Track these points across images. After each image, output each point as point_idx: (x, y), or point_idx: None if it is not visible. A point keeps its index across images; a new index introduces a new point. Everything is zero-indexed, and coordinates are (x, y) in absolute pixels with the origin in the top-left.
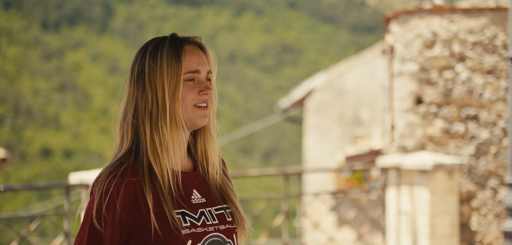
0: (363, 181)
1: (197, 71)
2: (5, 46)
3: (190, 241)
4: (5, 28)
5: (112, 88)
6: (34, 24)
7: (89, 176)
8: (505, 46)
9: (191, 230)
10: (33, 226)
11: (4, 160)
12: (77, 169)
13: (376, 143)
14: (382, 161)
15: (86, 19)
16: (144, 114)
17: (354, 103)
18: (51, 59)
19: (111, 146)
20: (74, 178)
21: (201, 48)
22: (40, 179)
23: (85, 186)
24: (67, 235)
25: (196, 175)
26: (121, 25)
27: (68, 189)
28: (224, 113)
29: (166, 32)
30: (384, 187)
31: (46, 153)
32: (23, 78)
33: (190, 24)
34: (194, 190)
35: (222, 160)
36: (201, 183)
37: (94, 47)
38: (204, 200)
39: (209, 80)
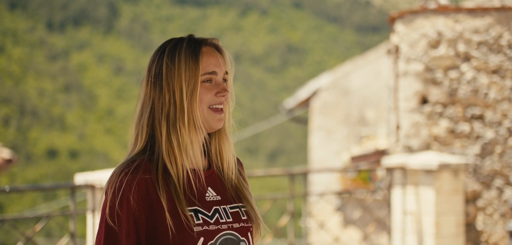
0: (368, 181)
1: (214, 73)
2: (11, 47)
3: (202, 239)
4: (11, 29)
5: (118, 89)
6: (39, 25)
7: (95, 176)
8: (510, 46)
9: (204, 228)
10: (38, 227)
11: (9, 160)
12: (83, 169)
13: (381, 143)
14: (387, 161)
15: (91, 19)
16: (161, 115)
17: (359, 103)
18: (56, 59)
19: (117, 146)
20: (80, 178)
21: (218, 49)
22: (45, 180)
23: (91, 186)
24: (72, 235)
25: (211, 173)
26: (126, 26)
27: (74, 189)
28: (234, 113)
29: (171, 32)
30: (389, 187)
31: (52, 153)
32: (28, 79)
33: (195, 25)
34: (209, 188)
35: (239, 160)
36: (216, 181)
37: (99, 47)
38: (219, 198)
39: (225, 81)
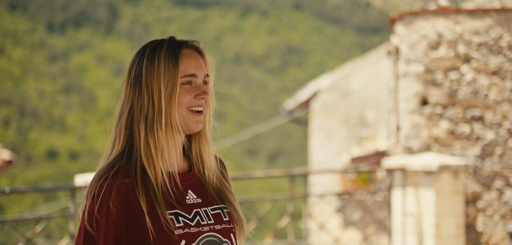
0: (368, 182)
1: (194, 75)
2: (11, 48)
3: (183, 241)
4: (11, 30)
5: (118, 90)
6: (40, 26)
7: None
8: (510, 47)
9: (185, 230)
10: (39, 228)
11: (9, 162)
12: (83, 170)
13: (381, 144)
14: (387, 162)
15: (91, 21)
16: (140, 117)
17: (359, 104)
18: (56, 61)
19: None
20: (80, 179)
21: (199, 52)
22: (45, 181)
23: None
24: (72, 236)
25: (191, 176)
26: (127, 27)
27: (74, 191)
28: (229, 114)
29: (171, 33)
30: (389, 188)
31: (52, 155)
32: (28, 80)
33: (196, 26)
34: (189, 191)
35: (221, 161)
36: (197, 183)
37: (99, 49)
38: (199, 200)
39: (206, 83)
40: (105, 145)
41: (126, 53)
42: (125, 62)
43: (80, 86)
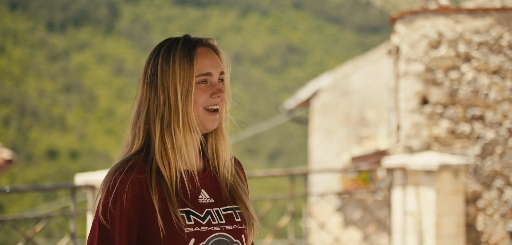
0: (369, 182)
1: (209, 74)
2: (11, 47)
3: (193, 240)
4: (11, 30)
5: (118, 89)
6: (40, 25)
7: (95, 177)
8: (510, 46)
9: (195, 229)
10: (39, 227)
11: (10, 161)
12: (83, 170)
13: (382, 144)
14: (388, 162)
15: (91, 20)
16: (156, 116)
17: (359, 103)
18: (56, 60)
19: (117, 147)
20: (80, 179)
21: (214, 49)
22: (46, 180)
23: (91, 187)
24: (73, 236)
25: (206, 175)
26: (127, 26)
27: (74, 190)
28: (234, 113)
29: (171, 33)
30: (390, 187)
31: (52, 154)
32: (28, 79)
33: (196, 25)
34: (202, 190)
35: (238, 161)
36: (211, 183)
37: (99, 48)
38: (212, 200)
39: (222, 80)
40: (105, 145)
41: (127, 52)
42: (126, 61)
43: (80, 85)
